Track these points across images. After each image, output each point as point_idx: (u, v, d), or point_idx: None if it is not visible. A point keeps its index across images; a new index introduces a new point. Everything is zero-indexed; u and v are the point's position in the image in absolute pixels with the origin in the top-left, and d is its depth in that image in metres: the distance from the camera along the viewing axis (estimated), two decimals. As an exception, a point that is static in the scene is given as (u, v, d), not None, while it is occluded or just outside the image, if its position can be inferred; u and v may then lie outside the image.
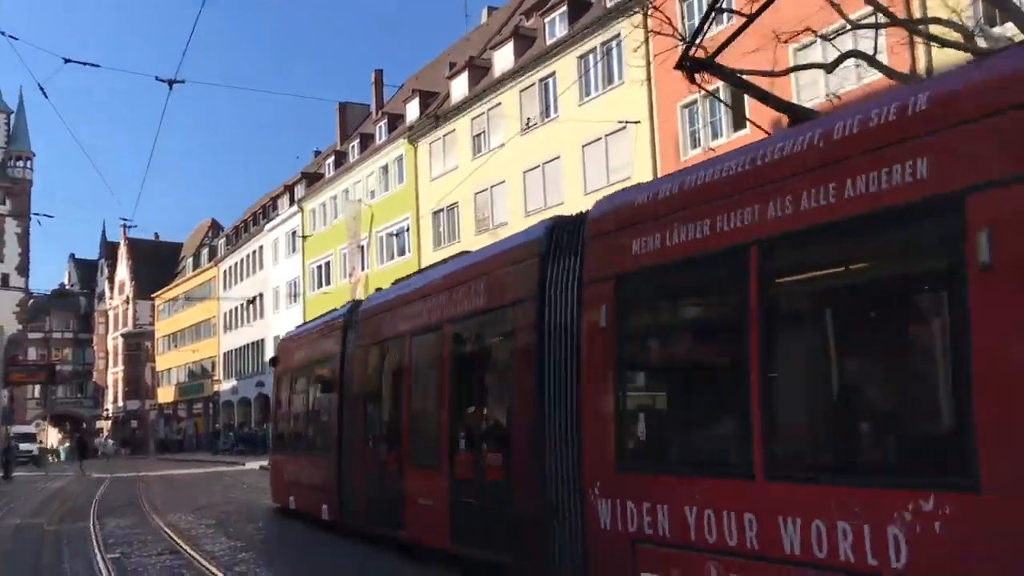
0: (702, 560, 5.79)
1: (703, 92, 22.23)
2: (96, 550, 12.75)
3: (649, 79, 26.14)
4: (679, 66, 7.15)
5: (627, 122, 26.50)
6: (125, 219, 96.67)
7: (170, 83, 13.74)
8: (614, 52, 28.57)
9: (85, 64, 14.27)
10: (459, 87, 37.78)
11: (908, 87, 5.92)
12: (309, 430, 15.87)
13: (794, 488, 5.24)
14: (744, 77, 8.38)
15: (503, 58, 35.06)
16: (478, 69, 37.41)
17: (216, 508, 19.15)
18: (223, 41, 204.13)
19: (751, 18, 6.83)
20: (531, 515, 7.79)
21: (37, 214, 43.92)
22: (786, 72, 16.22)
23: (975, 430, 4.25)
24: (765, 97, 7.17)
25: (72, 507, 20.89)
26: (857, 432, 5.39)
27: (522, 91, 33.14)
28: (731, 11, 9.76)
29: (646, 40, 21.16)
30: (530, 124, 31.02)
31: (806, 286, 5.73)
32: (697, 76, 7.25)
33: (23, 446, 47.87)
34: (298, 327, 19.10)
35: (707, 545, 5.75)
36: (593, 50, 29.50)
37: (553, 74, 31.57)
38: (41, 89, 16.23)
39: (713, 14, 7.15)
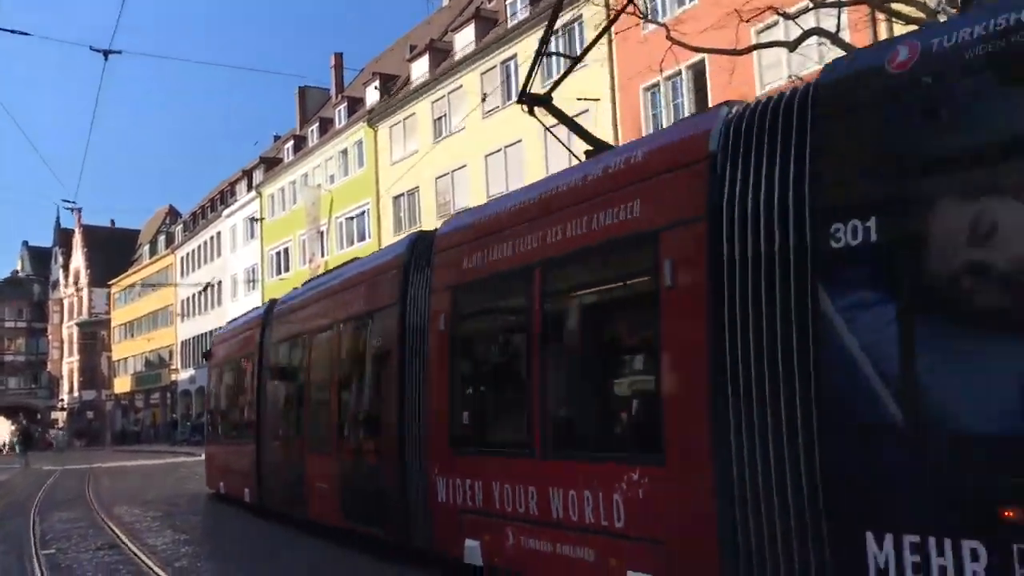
0: (502, 526, 7.00)
1: (663, 75, 22.32)
2: (32, 546, 12.15)
3: (611, 58, 25.81)
4: (519, 100, 8.47)
5: (587, 99, 26.04)
6: (68, 200, 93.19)
7: (105, 53, 13.04)
8: (576, 32, 28.13)
9: (14, 32, 13.47)
10: (419, 69, 37.14)
11: (641, 140, 6.93)
12: (234, 420, 16.91)
13: (559, 464, 6.44)
14: (575, 112, 9.86)
15: (464, 39, 34.50)
16: (439, 52, 36.80)
17: (165, 500, 18.54)
18: (171, 13, 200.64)
19: (576, 60, 8.93)
20: (393, 492, 8.95)
21: None
22: (748, 51, 15.93)
23: (663, 419, 5.52)
24: (582, 132, 8.07)
25: (11, 501, 20.15)
26: (595, 419, 6.56)
27: (483, 73, 32.61)
28: (559, 54, 11.04)
29: (608, 19, 20.73)
30: (486, 99, 30.45)
31: (567, 300, 6.89)
32: (537, 110, 8.35)
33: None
34: (228, 323, 19.47)
35: (506, 513, 6.95)
36: (555, 31, 29.03)
37: (514, 56, 31.05)
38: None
39: (540, 59, 8.40)
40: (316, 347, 11.97)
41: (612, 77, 26.27)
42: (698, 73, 23.52)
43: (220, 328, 20.74)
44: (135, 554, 10.95)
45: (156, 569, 9.80)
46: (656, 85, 24.77)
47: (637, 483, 5.60)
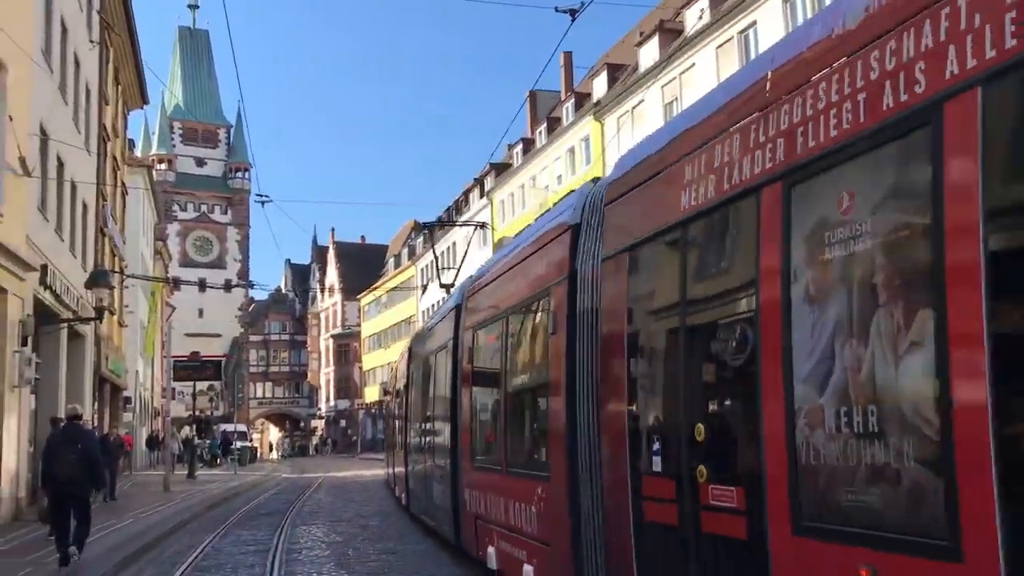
0: (490, 530, 8.79)
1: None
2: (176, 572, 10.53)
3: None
4: None
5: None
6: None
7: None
8: None
9: None
10: (649, 53, 34.19)
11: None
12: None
13: (508, 478, 8.21)
14: None
15: (696, 15, 31.13)
16: (669, 33, 33.69)
17: (358, 520, 16.88)
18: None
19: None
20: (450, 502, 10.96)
21: (261, 196, 44.07)
22: None
23: (547, 442, 7.14)
24: None
25: (212, 517, 19.24)
26: (524, 443, 8.26)
27: (718, 47, 29.12)
28: None
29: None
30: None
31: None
32: None
33: (236, 444, 48.69)
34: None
35: (492, 519, 8.76)
36: None
37: (753, 24, 27.36)
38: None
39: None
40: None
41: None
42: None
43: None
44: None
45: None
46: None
47: (540, 495, 7.10)
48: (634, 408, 5.48)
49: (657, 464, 5.07)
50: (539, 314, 7.47)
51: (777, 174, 3.96)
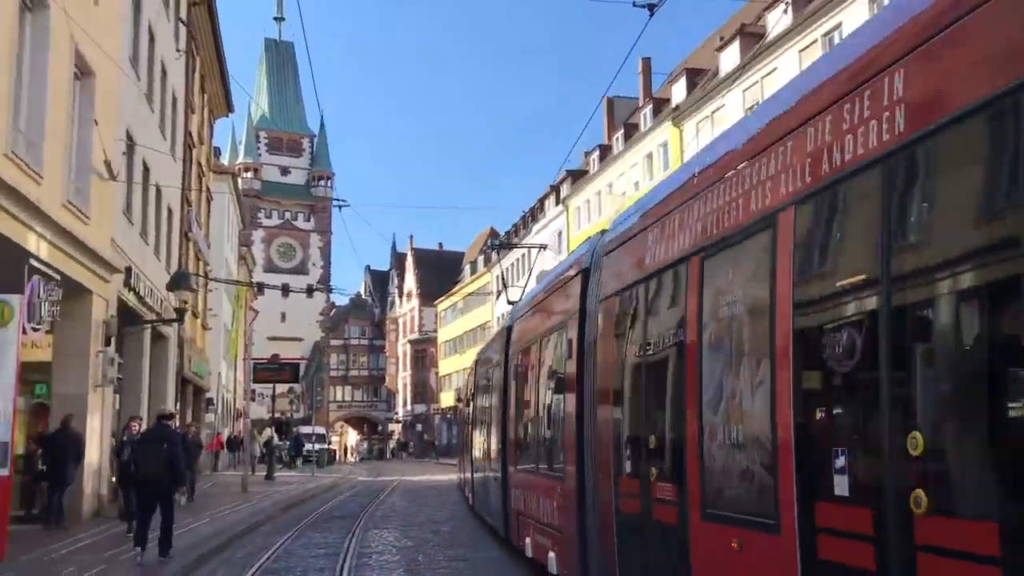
0: (528, 524, 10.34)
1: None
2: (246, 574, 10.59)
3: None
4: None
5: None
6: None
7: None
8: None
9: None
10: (730, 58, 33.59)
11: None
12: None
13: (537, 478, 9.80)
14: None
15: (779, 18, 30.39)
16: (750, 36, 33.05)
17: (429, 524, 16.81)
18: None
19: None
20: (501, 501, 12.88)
21: (339, 200, 44.80)
22: None
23: (563, 447, 8.46)
24: None
25: (289, 518, 19.42)
26: (549, 449, 9.36)
27: (801, 51, 28.38)
28: None
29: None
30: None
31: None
32: None
33: (314, 446, 49.26)
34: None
35: (528, 514, 10.35)
36: None
37: (838, 26, 26.58)
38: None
39: None
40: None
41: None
42: None
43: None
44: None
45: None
46: None
47: (563, 492, 8.30)
48: (619, 419, 6.71)
49: (628, 467, 6.45)
50: (561, 340, 8.63)
51: (694, 250, 5.34)
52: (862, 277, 3.68)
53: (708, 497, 4.97)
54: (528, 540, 10.21)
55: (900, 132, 3.41)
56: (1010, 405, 2.89)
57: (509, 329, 12.68)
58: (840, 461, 3.68)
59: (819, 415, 4.03)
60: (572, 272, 8.53)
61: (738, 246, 4.80)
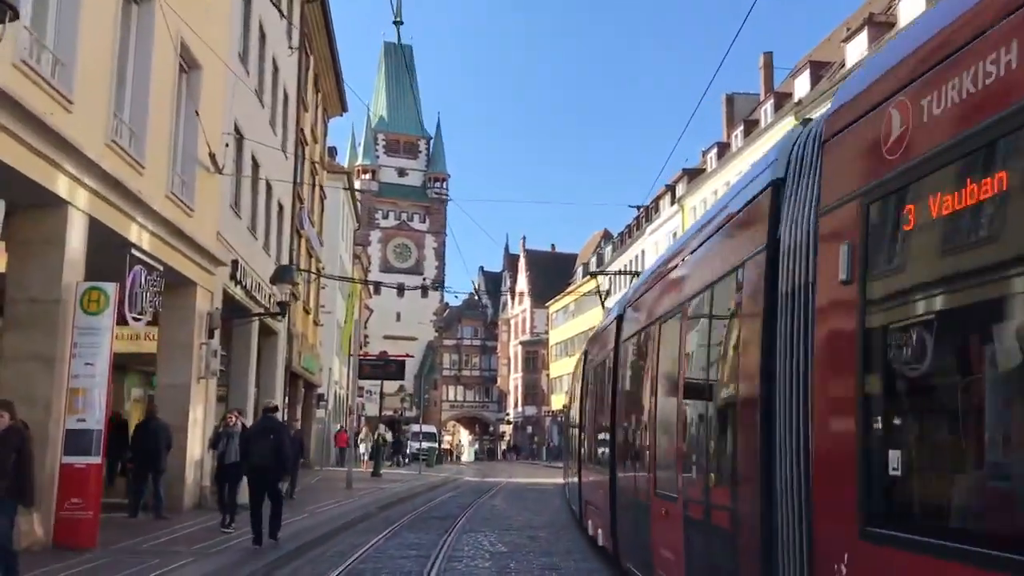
0: (590, 510, 13.46)
1: None
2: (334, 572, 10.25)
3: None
4: None
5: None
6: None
7: None
8: None
9: None
10: (857, 49, 31.79)
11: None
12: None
13: (592, 471, 13.54)
14: None
15: (911, 6, 28.52)
16: (880, 26, 31.17)
17: (527, 529, 16.24)
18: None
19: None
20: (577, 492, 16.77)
21: (448, 197, 45.28)
22: None
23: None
24: None
25: (387, 516, 19.18)
26: (598, 447, 12.08)
27: (936, 38, 26.47)
28: None
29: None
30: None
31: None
32: None
33: (424, 445, 49.52)
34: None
35: (591, 502, 13.31)
36: None
37: (979, 9, 24.64)
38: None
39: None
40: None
41: None
42: None
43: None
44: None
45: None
46: None
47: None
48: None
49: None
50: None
51: None
52: None
53: (660, 482, 6.58)
54: (590, 522, 12.56)
55: None
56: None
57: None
58: None
59: None
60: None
61: None
